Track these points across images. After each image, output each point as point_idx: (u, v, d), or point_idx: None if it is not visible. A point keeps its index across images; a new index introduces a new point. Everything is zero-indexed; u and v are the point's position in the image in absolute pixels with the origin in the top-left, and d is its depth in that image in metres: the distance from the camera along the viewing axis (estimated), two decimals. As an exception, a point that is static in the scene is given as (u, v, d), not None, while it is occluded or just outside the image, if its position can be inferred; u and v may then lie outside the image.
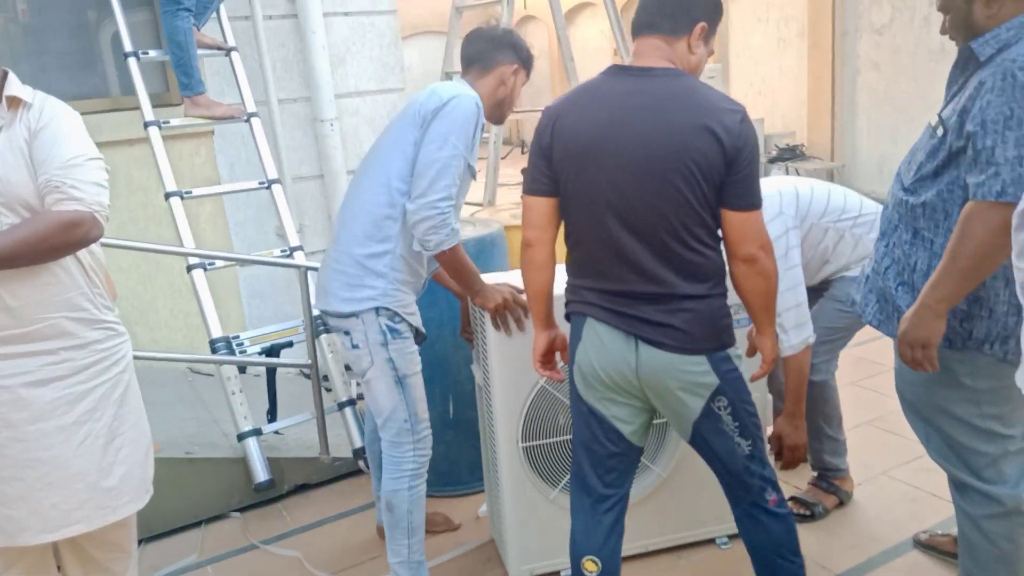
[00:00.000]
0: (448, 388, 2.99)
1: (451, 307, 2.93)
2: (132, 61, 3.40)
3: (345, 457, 3.23)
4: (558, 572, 2.46)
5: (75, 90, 3.66)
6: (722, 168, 1.72)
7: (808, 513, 2.73)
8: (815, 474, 2.83)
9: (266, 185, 3.55)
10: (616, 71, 1.82)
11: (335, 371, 3.36)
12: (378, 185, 2.22)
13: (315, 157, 4.19)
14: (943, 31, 1.84)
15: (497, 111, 2.36)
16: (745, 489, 1.90)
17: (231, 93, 3.75)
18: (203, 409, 3.50)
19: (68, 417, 1.82)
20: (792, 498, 2.73)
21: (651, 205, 1.74)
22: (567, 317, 1.93)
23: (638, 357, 1.79)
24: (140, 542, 2.78)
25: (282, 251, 3.50)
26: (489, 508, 2.68)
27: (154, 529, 2.84)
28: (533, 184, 1.86)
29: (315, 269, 3.10)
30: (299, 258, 3.44)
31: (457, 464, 3.07)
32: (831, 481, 2.79)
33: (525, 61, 2.35)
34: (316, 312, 3.29)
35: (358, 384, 3.95)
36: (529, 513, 2.41)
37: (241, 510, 3.05)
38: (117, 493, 1.90)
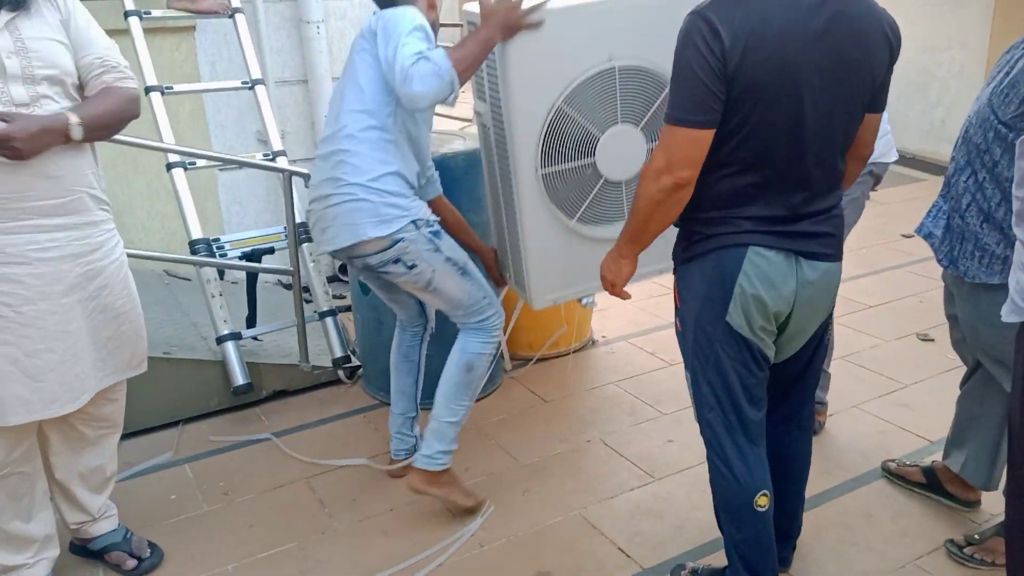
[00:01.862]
0: (431, 302, 2.97)
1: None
2: (111, -56, 3.23)
3: (324, 366, 3.22)
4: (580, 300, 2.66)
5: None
6: (886, 72, 1.74)
7: None
8: None
9: (249, 85, 3.43)
10: None
11: (316, 281, 3.33)
12: (362, 116, 2.18)
13: (299, 61, 4.06)
14: None
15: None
16: (806, 402, 2.01)
17: (215, -13, 3.59)
18: (180, 312, 3.46)
19: (87, 291, 1.95)
20: None
21: (838, 118, 1.71)
22: (705, 252, 1.78)
23: (799, 276, 1.76)
24: (116, 439, 2.79)
25: (264, 155, 3.41)
26: (502, 254, 2.64)
27: (131, 426, 2.81)
28: (706, 114, 1.62)
29: (300, 174, 3.04)
30: (282, 163, 3.36)
31: (437, 378, 3.06)
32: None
33: None
34: (300, 219, 3.24)
35: (337, 297, 3.93)
36: (549, 243, 2.38)
37: (219, 412, 3.05)
38: (120, 362, 2.08)
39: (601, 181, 2.35)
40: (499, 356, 3.28)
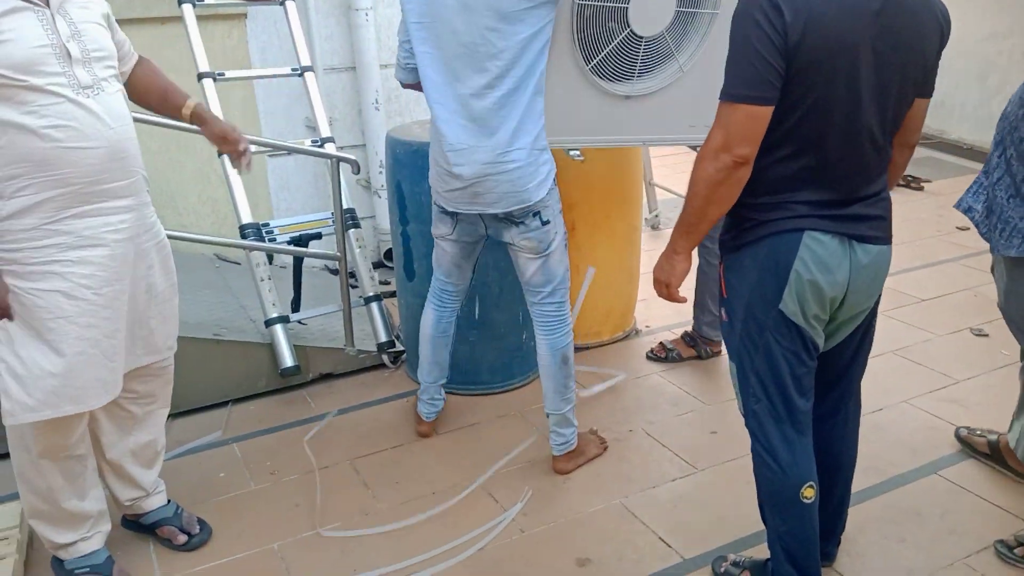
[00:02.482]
0: (475, 289, 2.98)
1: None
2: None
3: (369, 351, 3.26)
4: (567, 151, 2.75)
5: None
6: (936, 56, 1.73)
7: (663, 356, 3.32)
8: (688, 331, 3.35)
9: (299, 72, 3.47)
10: None
11: (362, 266, 3.36)
12: (526, 75, 2.19)
13: (348, 48, 4.09)
14: None
15: None
16: (853, 393, 2.00)
17: (267, -25, 3.63)
18: (230, 295, 3.53)
19: (139, 271, 2.02)
20: (660, 343, 3.38)
21: (891, 99, 1.69)
22: (758, 239, 1.75)
23: (852, 260, 1.75)
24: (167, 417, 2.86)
25: (313, 141, 3.45)
26: None
27: (181, 406, 2.90)
28: (766, 90, 1.59)
29: (348, 160, 3.07)
30: (330, 150, 3.39)
31: (479, 364, 3.10)
32: (696, 339, 3.31)
33: None
34: (347, 205, 3.28)
35: (382, 283, 3.97)
36: (563, 85, 2.45)
37: (266, 394, 3.11)
38: (160, 341, 2.15)
39: (627, 31, 2.44)
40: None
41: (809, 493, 1.87)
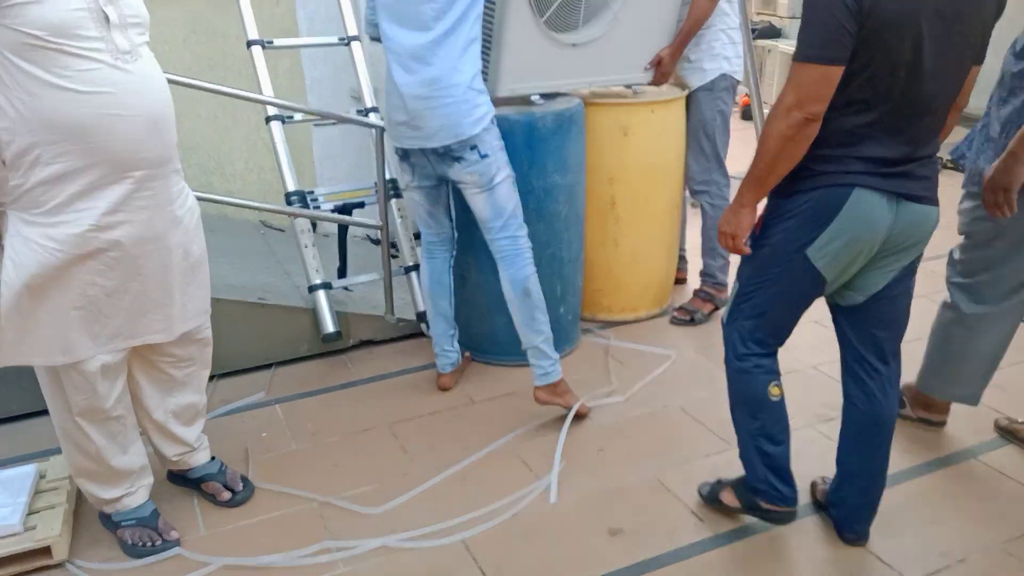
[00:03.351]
0: (515, 260, 3.02)
1: (524, 181, 2.91)
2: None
3: (408, 319, 3.31)
4: (530, 96, 3.01)
5: (160, -71, 3.60)
6: (993, 24, 1.80)
7: (689, 319, 3.47)
8: (697, 287, 3.55)
9: (346, 41, 3.50)
10: None
11: (403, 236, 3.40)
12: (459, 21, 2.46)
13: (394, 18, 4.09)
14: None
15: None
16: (894, 353, 2.05)
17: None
18: (274, 261, 3.60)
19: (175, 237, 2.04)
20: (679, 307, 3.53)
21: (952, 64, 1.76)
22: (810, 188, 1.83)
23: (896, 216, 1.82)
24: (212, 378, 2.94)
25: (358, 111, 3.48)
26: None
27: (226, 367, 2.99)
28: (838, 51, 1.67)
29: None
30: (374, 120, 3.42)
31: (516, 336, 3.11)
32: (709, 291, 3.50)
33: None
34: (389, 176, 3.31)
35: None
36: (520, 36, 2.86)
37: (308, 358, 3.19)
38: (197, 306, 2.17)
39: None
40: (579, 317, 3.33)
41: (776, 391, 2.04)
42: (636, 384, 2.99)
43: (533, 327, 2.70)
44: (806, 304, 2.00)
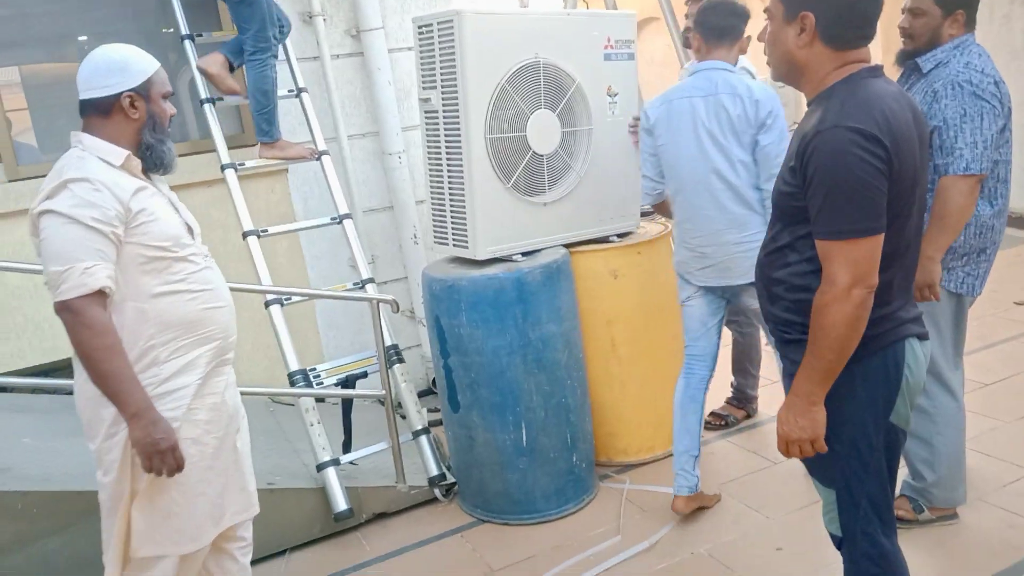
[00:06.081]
0: (520, 416, 3.00)
1: (520, 334, 2.95)
2: (210, 110, 3.53)
3: (421, 486, 3.26)
4: (511, 256, 3.10)
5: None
6: None
7: (723, 423, 3.63)
8: (730, 394, 3.73)
9: (337, 220, 3.64)
10: (876, 72, 1.73)
11: (409, 400, 3.41)
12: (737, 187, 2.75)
13: (384, 189, 4.28)
14: (903, 33, 2.52)
15: None
16: (891, 506, 1.87)
17: (302, 132, 3.87)
18: (284, 439, 3.59)
19: (235, 424, 2.18)
20: (712, 413, 3.65)
21: (923, 194, 1.78)
22: (868, 354, 1.72)
23: (924, 358, 1.80)
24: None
25: (354, 283, 3.58)
26: (440, 225, 3.26)
27: (239, 559, 2.92)
28: (881, 217, 1.63)
29: (386, 301, 3.16)
30: (370, 290, 3.51)
31: (532, 492, 3.07)
32: (743, 401, 3.69)
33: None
34: (389, 343, 3.36)
35: (431, 411, 4.00)
36: (490, 202, 3.02)
37: (321, 539, 3.12)
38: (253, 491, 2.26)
39: (530, 153, 3.09)
40: (593, 463, 3.27)
41: None
42: (659, 532, 2.89)
43: None
44: (894, 468, 1.87)
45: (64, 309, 1.81)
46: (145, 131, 2.00)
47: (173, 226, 1.98)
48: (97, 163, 1.92)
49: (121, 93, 1.96)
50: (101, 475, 1.97)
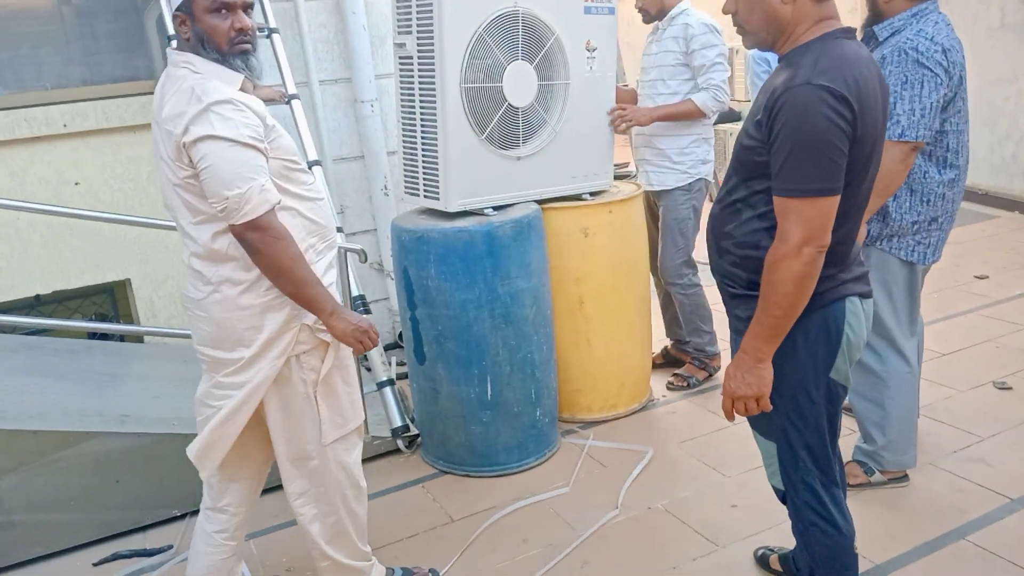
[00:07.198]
0: (486, 369, 3.00)
1: (488, 289, 2.94)
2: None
3: (384, 436, 3.26)
4: (482, 210, 3.05)
5: (121, 72, 3.72)
6: None
7: (685, 384, 3.70)
8: (691, 354, 3.77)
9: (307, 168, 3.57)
10: (849, 34, 1.74)
11: (374, 351, 3.39)
12: None
13: (356, 138, 4.20)
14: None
15: None
16: (830, 458, 1.92)
17: (272, 75, 3.77)
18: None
19: None
20: (675, 374, 3.75)
21: (879, 157, 1.80)
22: (807, 312, 1.74)
23: (866, 316, 1.84)
24: (183, 516, 2.88)
25: (323, 232, 3.52)
26: (411, 172, 3.19)
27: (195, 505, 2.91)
28: (839, 178, 1.65)
29: (353, 250, 3.13)
30: (339, 240, 3.46)
31: (494, 445, 3.09)
32: (704, 361, 3.73)
33: None
34: (356, 292, 3.33)
35: (400, 364, 4.00)
36: (463, 153, 2.97)
37: (279, 487, 3.10)
38: None
39: (506, 104, 3.03)
40: (556, 419, 3.29)
41: (856, 545, 1.93)
42: (620, 487, 2.93)
43: None
44: (840, 417, 1.94)
45: (253, 228, 1.84)
46: (202, 53, 1.90)
47: (291, 142, 2.03)
48: (217, 82, 1.87)
49: (176, 15, 1.92)
50: (252, 375, 1.99)
